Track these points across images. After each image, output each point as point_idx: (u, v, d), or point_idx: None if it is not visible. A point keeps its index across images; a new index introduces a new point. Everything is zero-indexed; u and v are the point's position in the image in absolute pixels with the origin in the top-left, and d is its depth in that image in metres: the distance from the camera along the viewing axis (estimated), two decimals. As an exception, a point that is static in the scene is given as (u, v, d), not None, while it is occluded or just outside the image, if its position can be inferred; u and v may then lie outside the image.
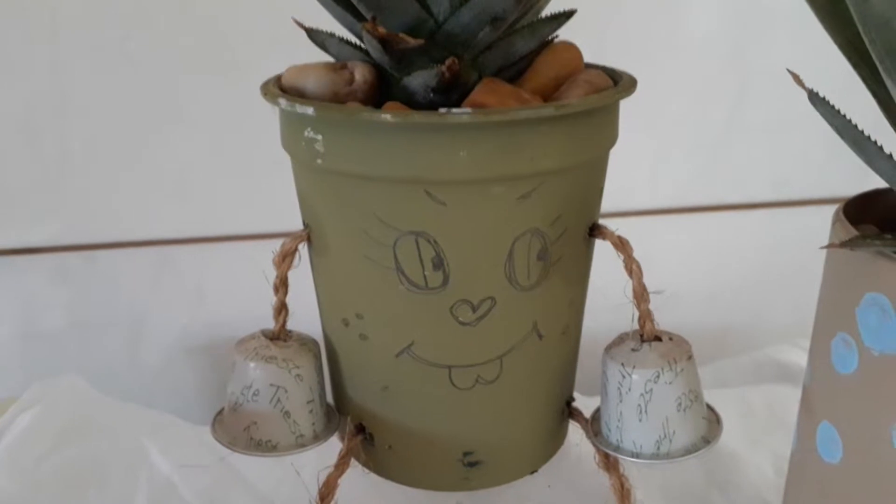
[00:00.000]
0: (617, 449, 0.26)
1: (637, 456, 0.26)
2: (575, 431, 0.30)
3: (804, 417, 0.31)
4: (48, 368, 0.54)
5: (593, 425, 0.28)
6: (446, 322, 0.25)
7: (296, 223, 0.31)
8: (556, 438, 0.29)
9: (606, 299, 0.28)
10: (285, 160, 0.28)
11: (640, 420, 0.26)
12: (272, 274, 0.28)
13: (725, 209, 0.59)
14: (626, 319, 0.28)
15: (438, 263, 0.24)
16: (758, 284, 0.59)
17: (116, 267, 0.57)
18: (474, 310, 0.24)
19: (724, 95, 0.53)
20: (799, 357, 0.52)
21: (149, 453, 0.45)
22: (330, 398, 0.30)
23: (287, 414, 0.27)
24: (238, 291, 0.54)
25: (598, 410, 0.28)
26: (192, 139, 0.51)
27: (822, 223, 0.58)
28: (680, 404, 0.25)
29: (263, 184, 0.54)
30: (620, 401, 0.26)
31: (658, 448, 0.26)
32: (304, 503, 0.28)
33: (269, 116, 0.30)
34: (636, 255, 0.26)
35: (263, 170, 0.54)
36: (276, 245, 0.29)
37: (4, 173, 0.52)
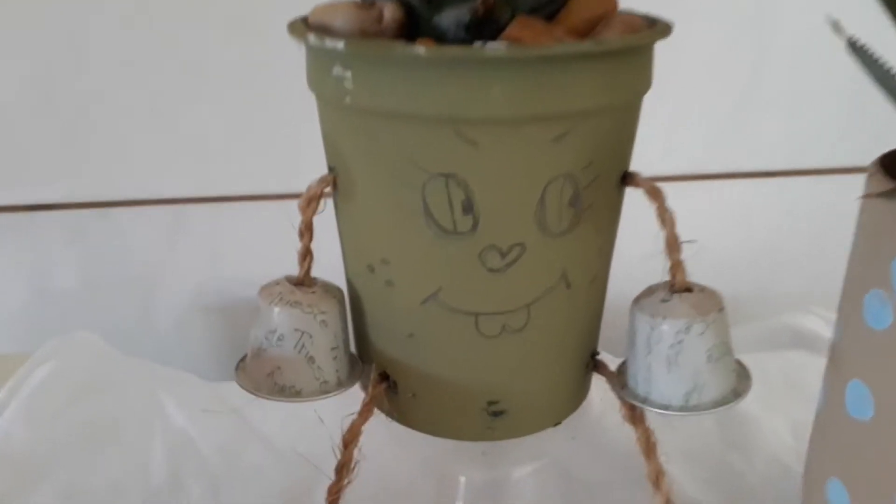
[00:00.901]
0: (645, 401, 0.26)
1: (666, 408, 0.25)
2: (598, 386, 0.30)
3: (832, 375, 0.30)
4: (61, 326, 0.54)
5: (619, 378, 0.28)
6: (474, 268, 0.24)
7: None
8: (580, 391, 0.29)
9: (626, 257, 0.28)
10: (306, 119, 0.27)
11: (670, 372, 0.25)
12: (292, 240, 0.27)
13: (740, 177, 0.59)
14: (652, 274, 0.28)
15: (468, 207, 0.23)
16: (772, 252, 0.58)
17: (131, 225, 0.57)
18: (503, 256, 0.24)
19: (741, 62, 0.52)
20: (814, 324, 0.51)
21: (164, 406, 0.46)
22: (353, 346, 0.29)
23: (311, 360, 0.26)
24: (253, 251, 0.53)
25: (623, 364, 0.28)
26: (209, 96, 0.50)
27: (838, 193, 0.58)
28: (710, 356, 0.25)
29: (281, 143, 0.53)
30: (649, 352, 0.25)
31: (687, 400, 0.25)
32: (326, 452, 0.28)
33: (290, 72, 0.29)
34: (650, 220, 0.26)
35: (282, 129, 0.53)
36: (292, 206, 0.28)
37: (20, 129, 0.52)
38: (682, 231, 0.27)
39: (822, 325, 0.51)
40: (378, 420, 0.29)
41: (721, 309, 0.25)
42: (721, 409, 0.25)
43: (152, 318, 0.58)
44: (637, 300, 0.26)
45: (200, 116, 0.50)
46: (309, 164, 0.28)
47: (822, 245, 0.55)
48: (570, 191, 0.23)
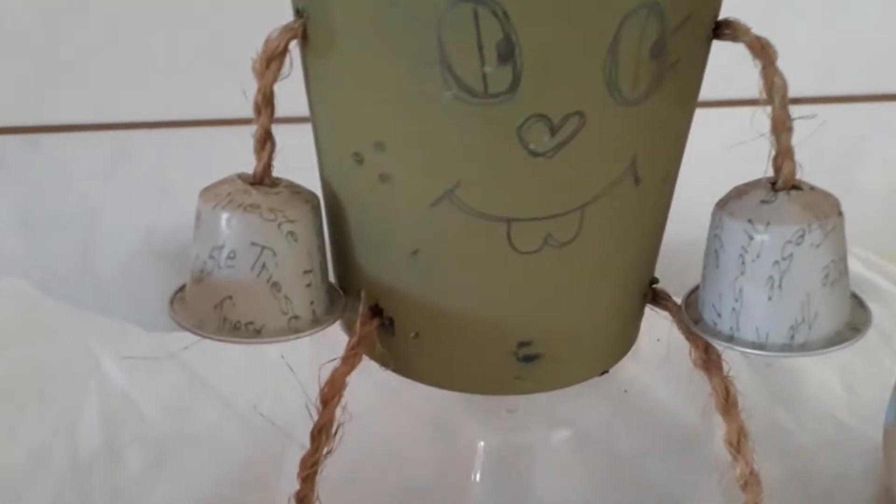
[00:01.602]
0: (731, 339, 0.19)
1: (762, 347, 0.19)
2: (653, 322, 0.23)
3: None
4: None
5: (689, 312, 0.21)
6: (510, 150, 0.17)
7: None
8: (632, 331, 0.22)
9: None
10: (267, 29, 0.19)
11: (771, 298, 0.18)
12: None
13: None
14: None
15: (507, 52, 0.16)
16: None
17: (65, 155, 0.49)
18: (553, 132, 0.17)
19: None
20: (856, 267, 0.46)
21: (99, 361, 0.38)
22: (332, 274, 0.22)
23: (276, 286, 0.19)
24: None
25: (693, 293, 0.21)
26: (153, 5, 0.43)
27: (869, 122, 0.51)
28: (827, 276, 0.18)
29: (240, 59, 0.45)
30: (742, 272, 0.19)
31: (792, 337, 0.19)
32: (298, 413, 0.21)
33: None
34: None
35: (240, 42, 0.45)
36: (252, 131, 0.21)
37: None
38: (701, 161, 0.20)
39: (861, 267, 0.45)
40: (367, 370, 0.22)
41: (841, 213, 0.19)
42: (835, 349, 0.19)
43: (92, 263, 0.51)
44: (724, 203, 0.19)
45: (144, 29, 0.43)
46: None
47: (847, 181, 0.49)
48: (653, 33, 0.16)
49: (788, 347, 0.19)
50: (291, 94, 0.20)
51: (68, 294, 0.48)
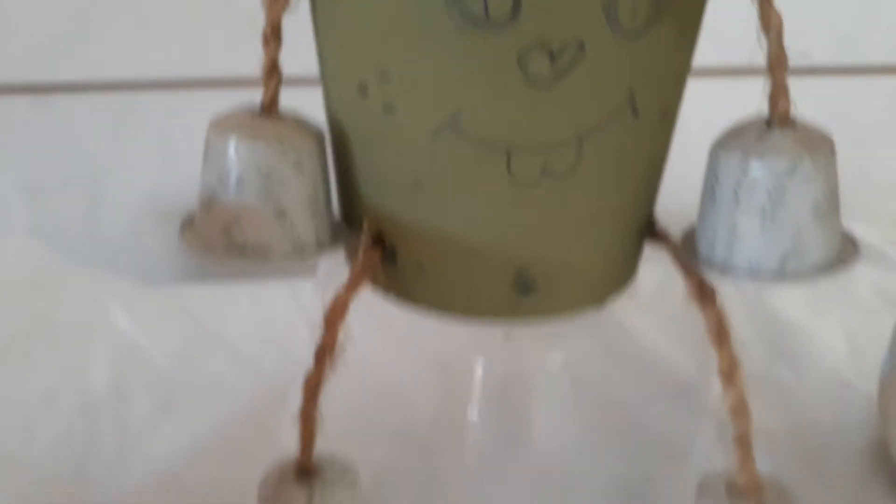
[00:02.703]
0: (724, 269, 0.20)
1: (755, 276, 0.19)
2: (652, 262, 0.23)
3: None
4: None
5: (687, 247, 0.22)
6: (511, 78, 0.17)
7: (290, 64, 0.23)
8: (630, 267, 0.23)
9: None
10: None
11: (763, 228, 0.19)
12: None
13: (808, 73, 0.52)
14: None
15: None
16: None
17: (71, 116, 0.49)
18: (553, 59, 0.17)
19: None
20: (863, 232, 0.46)
21: (108, 310, 0.39)
22: (336, 210, 0.23)
23: (282, 213, 0.20)
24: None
25: (690, 231, 0.22)
26: None
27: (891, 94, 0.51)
28: (818, 208, 0.19)
29: (251, 17, 0.46)
30: (737, 206, 0.19)
31: (783, 266, 0.19)
32: (301, 363, 0.22)
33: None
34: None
35: (246, 1, 0.46)
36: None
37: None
38: (712, 131, 0.21)
39: (877, 238, 0.45)
40: (367, 301, 0.23)
41: (833, 150, 0.19)
42: (824, 275, 0.19)
43: (99, 224, 0.51)
44: (721, 140, 0.20)
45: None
46: (287, 41, 0.21)
47: (867, 151, 0.49)
48: (652, -39, 0.17)
49: (779, 276, 0.19)
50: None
51: (75, 255, 0.48)
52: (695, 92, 0.23)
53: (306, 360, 0.23)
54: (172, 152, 0.49)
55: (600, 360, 0.25)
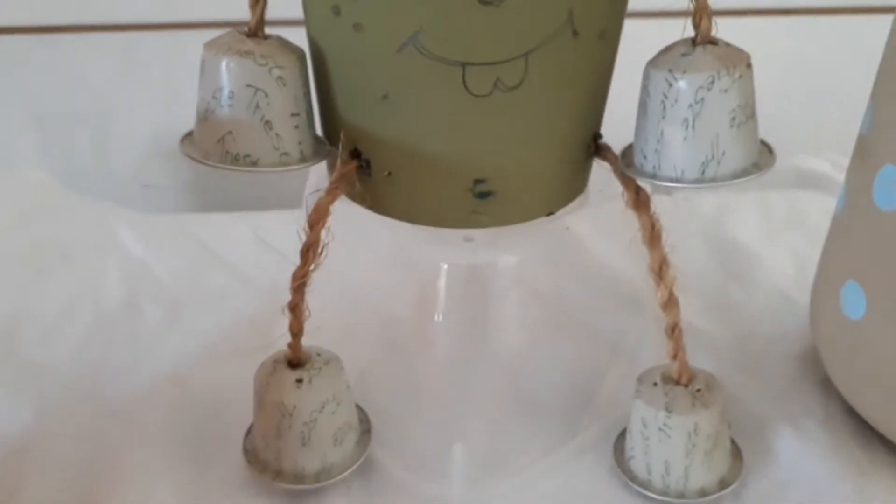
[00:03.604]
0: (654, 176, 0.23)
1: (677, 181, 0.22)
2: (599, 177, 0.26)
3: (858, 169, 0.27)
4: (2, 165, 0.50)
5: (625, 159, 0.24)
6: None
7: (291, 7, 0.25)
8: (578, 179, 0.26)
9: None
10: None
11: (686, 139, 0.22)
12: None
13: (758, 14, 0.54)
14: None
15: None
16: (784, 95, 0.55)
17: (77, 55, 0.51)
18: (499, -18, 0.20)
19: None
20: (823, 166, 0.49)
21: (118, 234, 0.42)
22: (319, 131, 0.25)
23: (268, 125, 0.22)
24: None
25: (628, 147, 0.25)
26: None
27: (849, 34, 0.52)
28: (734, 118, 0.22)
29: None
30: (663, 117, 0.22)
31: (703, 171, 0.22)
32: (292, 268, 0.25)
33: None
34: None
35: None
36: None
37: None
38: None
39: (829, 167, 0.48)
40: (345, 211, 0.26)
41: (749, 65, 0.22)
42: (739, 181, 0.22)
43: (106, 162, 0.54)
44: (653, 60, 0.22)
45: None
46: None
47: (835, 88, 0.51)
48: None
49: (700, 180, 0.22)
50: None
51: (84, 186, 0.51)
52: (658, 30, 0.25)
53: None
54: (176, 91, 0.51)
55: (553, 266, 0.28)
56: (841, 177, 0.49)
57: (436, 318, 0.28)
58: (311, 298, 0.26)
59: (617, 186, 0.25)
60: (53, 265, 0.40)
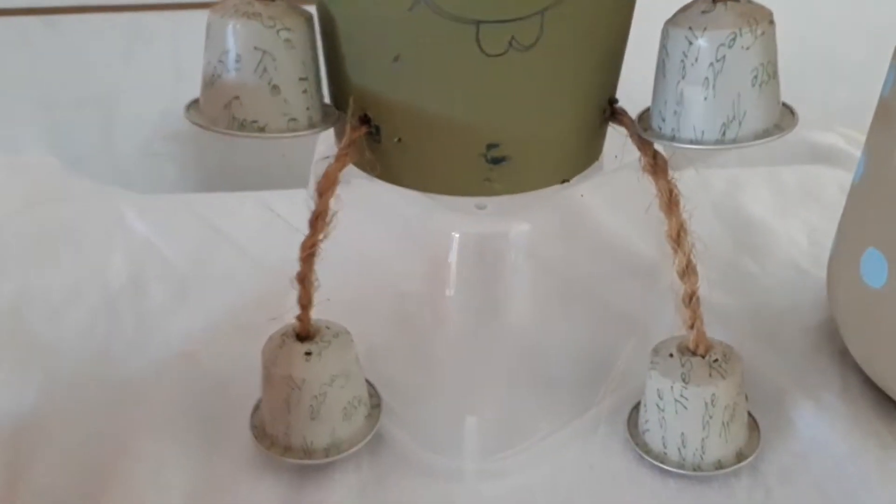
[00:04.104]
0: (673, 139, 0.22)
1: (698, 143, 0.22)
2: (615, 144, 0.26)
3: (879, 131, 0.26)
4: (9, 148, 0.50)
5: (641, 123, 0.24)
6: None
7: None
8: (593, 145, 0.25)
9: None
10: None
11: (706, 99, 0.21)
12: None
13: None
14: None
15: None
16: (793, 70, 0.54)
17: (82, 37, 0.51)
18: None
19: None
20: (836, 140, 0.48)
21: (125, 216, 0.42)
22: (328, 99, 0.25)
23: (276, 89, 0.22)
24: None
25: (646, 110, 0.24)
26: None
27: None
28: (756, 77, 0.21)
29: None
30: (683, 76, 0.21)
31: (724, 133, 0.21)
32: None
33: None
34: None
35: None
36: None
37: None
38: None
39: (842, 142, 0.47)
40: (354, 181, 0.25)
41: (772, 22, 0.21)
42: (762, 142, 0.21)
43: (112, 144, 0.53)
44: (672, 17, 0.22)
45: None
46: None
47: (848, 64, 0.50)
48: None
49: (721, 142, 0.21)
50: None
51: (91, 170, 0.51)
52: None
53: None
54: (181, 72, 0.51)
55: (566, 238, 0.27)
56: (853, 151, 0.49)
57: (447, 292, 0.27)
58: (321, 272, 0.26)
59: (633, 153, 0.25)
60: (60, 246, 0.40)
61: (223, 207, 0.42)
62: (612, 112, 0.24)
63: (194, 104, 0.24)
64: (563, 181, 0.25)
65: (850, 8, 0.51)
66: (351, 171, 0.25)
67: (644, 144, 0.24)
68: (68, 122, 0.53)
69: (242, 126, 0.22)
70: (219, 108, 0.22)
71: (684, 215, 0.23)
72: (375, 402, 0.28)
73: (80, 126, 0.53)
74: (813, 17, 0.51)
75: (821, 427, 0.27)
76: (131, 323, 0.35)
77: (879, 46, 0.29)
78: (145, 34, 0.50)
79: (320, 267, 0.25)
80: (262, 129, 0.22)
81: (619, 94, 0.25)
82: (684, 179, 0.25)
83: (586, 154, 0.25)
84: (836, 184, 0.43)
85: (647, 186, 0.25)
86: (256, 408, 0.28)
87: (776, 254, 0.37)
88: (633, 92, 0.26)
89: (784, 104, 0.23)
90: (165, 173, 0.54)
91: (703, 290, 0.25)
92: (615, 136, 0.25)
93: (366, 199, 0.27)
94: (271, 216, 0.40)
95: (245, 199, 0.43)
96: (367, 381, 0.28)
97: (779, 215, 0.40)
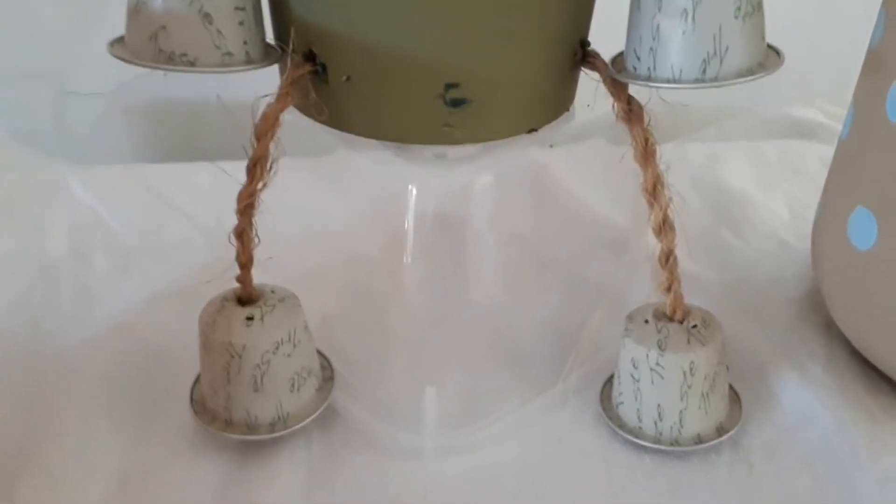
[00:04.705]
0: (649, 79, 0.20)
1: (675, 82, 0.20)
2: (588, 90, 0.24)
3: (867, 84, 0.25)
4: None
5: (615, 66, 0.22)
6: None
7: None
8: (562, 91, 0.23)
9: None
10: None
11: (684, 33, 0.19)
12: None
13: None
14: None
15: None
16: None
17: (34, 6, 0.48)
18: None
19: None
20: (815, 115, 0.47)
21: (70, 187, 0.39)
22: (271, 38, 0.23)
23: (207, 17, 0.19)
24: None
25: (619, 54, 0.22)
26: None
27: None
28: (739, 8, 0.19)
29: None
30: (659, 9, 0.19)
31: (704, 71, 0.19)
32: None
33: None
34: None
35: None
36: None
37: None
38: None
39: (822, 117, 0.46)
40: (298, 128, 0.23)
41: (756, -54, 0.19)
42: (744, 80, 0.19)
43: (65, 118, 0.51)
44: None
45: None
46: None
47: (826, 37, 0.49)
48: None
49: (701, 80, 0.19)
50: None
51: (39, 141, 0.48)
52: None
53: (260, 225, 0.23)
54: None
55: (531, 206, 0.25)
56: (835, 125, 0.47)
57: (405, 258, 0.25)
58: (271, 239, 0.23)
59: (607, 103, 0.23)
60: (-1, 216, 0.37)
61: (176, 178, 0.40)
62: (583, 55, 0.22)
63: (120, 39, 0.21)
64: (531, 131, 0.22)
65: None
66: (296, 116, 0.23)
67: (618, 89, 0.22)
68: (18, 96, 0.50)
69: (170, 59, 0.20)
70: (143, 40, 0.20)
71: (661, 167, 0.22)
72: (328, 375, 0.26)
73: (31, 100, 0.50)
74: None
75: (806, 400, 0.25)
76: (69, 294, 0.32)
77: (857, 26, 0.28)
78: (98, 4, 0.48)
79: (272, 233, 0.23)
80: (191, 63, 0.20)
81: (595, 46, 0.23)
82: (664, 153, 0.23)
83: (556, 101, 0.23)
84: (817, 157, 0.41)
85: (619, 152, 0.23)
86: (197, 381, 0.26)
87: (758, 227, 0.36)
88: (610, 42, 0.24)
89: (769, 44, 0.21)
90: (122, 148, 0.52)
91: (683, 264, 0.24)
92: (588, 83, 0.23)
93: (321, 162, 0.24)
94: (225, 186, 0.38)
95: (199, 170, 0.40)
96: (320, 352, 0.26)
97: (760, 189, 0.38)
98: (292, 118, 0.22)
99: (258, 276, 0.24)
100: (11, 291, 0.32)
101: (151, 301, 0.31)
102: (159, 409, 0.25)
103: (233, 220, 0.36)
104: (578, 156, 0.29)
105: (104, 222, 0.37)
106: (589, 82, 0.23)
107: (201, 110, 0.50)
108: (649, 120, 0.21)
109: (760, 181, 0.39)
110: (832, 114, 0.46)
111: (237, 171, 0.40)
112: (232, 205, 0.39)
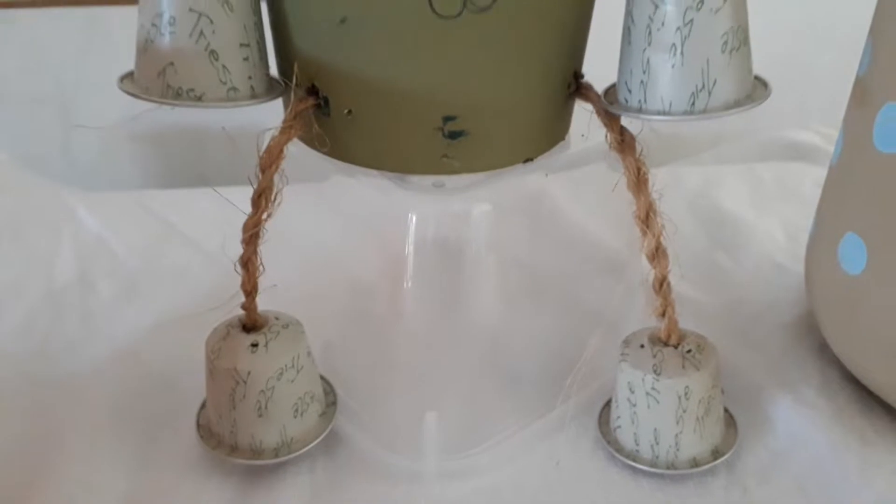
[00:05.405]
0: (640, 111, 0.21)
1: (665, 114, 0.20)
2: (582, 120, 0.24)
3: (856, 112, 0.25)
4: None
5: (608, 97, 0.22)
6: None
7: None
8: (558, 121, 0.24)
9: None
10: None
11: (674, 66, 0.20)
12: None
13: None
14: None
15: None
16: (768, 68, 0.54)
17: (39, 32, 0.49)
18: None
19: None
20: (811, 138, 0.47)
21: (75, 213, 0.40)
22: (275, 72, 0.23)
23: (213, 54, 0.20)
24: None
25: (612, 85, 0.23)
26: None
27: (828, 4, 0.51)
28: (726, 43, 0.20)
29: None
30: (649, 43, 0.20)
31: (693, 103, 0.20)
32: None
33: None
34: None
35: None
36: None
37: None
38: None
39: (818, 139, 0.46)
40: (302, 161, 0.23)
41: (742, -15, 0.20)
42: (732, 112, 0.20)
43: (71, 144, 0.51)
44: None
45: None
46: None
47: (821, 61, 0.50)
48: None
49: (690, 112, 0.20)
50: None
51: (45, 167, 0.49)
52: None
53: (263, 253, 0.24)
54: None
55: (530, 231, 0.26)
56: (830, 148, 0.48)
57: (405, 284, 0.26)
58: (275, 265, 0.24)
59: (601, 133, 0.23)
60: (3, 242, 0.38)
61: (178, 203, 0.40)
62: (577, 87, 0.23)
63: (129, 74, 0.22)
64: (527, 160, 0.23)
65: (824, 12, 0.50)
66: (300, 148, 0.23)
67: (611, 120, 0.22)
68: (24, 122, 0.51)
69: (178, 95, 0.20)
70: (153, 76, 0.20)
71: (654, 195, 0.22)
72: (331, 400, 0.26)
73: (38, 124, 0.51)
74: (787, 20, 0.50)
75: (800, 423, 0.26)
76: (75, 320, 0.33)
77: (854, 40, 0.29)
78: (102, 30, 0.49)
79: (274, 259, 0.24)
80: (198, 98, 0.21)
81: (589, 77, 0.24)
82: (660, 176, 0.24)
83: (551, 131, 0.23)
84: (813, 180, 0.42)
85: (615, 177, 0.23)
86: (203, 406, 0.26)
87: (753, 250, 0.36)
88: (603, 73, 0.25)
89: (756, 76, 0.22)
90: (126, 175, 0.52)
91: (678, 288, 0.24)
92: (582, 113, 0.24)
93: (314, 181, 0.25)
94: (228, 212, 0.38)
95: (202, 196, 0.41)
96: (323, 377, 0.26)
97: (755, 212, 0.39)
98: (296, 149, 0.23)
99: (262, 303, 0.24)
100: (18, 317, 0.33)
101: (157, 327, 0.32)
102: (165, 434, 0.26)
103: (237, 246, 0.37)
104: (575, 181, 0.29)
105: (110, 248, 0.37)
106: (585, 112, 0.23)
107: (205, 137, 0.50)
108: (642, 150, 0.22)
109: (756, 204, 0.40)
110: (828, 136, 0.47)
111: (240, 197, 0.41)
112: (236, 230, 0.40)
